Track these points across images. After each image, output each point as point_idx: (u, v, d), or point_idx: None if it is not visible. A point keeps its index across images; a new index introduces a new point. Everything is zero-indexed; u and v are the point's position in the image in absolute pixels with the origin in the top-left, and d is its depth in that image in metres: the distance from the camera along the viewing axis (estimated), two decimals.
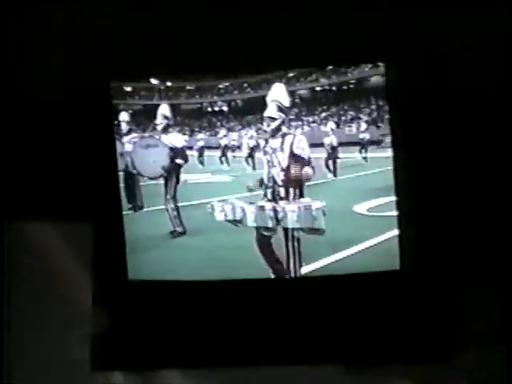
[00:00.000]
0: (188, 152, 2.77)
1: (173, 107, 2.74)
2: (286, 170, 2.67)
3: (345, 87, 2.68)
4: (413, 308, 2.39)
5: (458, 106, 2.37)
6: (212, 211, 2.66)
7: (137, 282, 2.45)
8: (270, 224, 2.62)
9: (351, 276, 2.41)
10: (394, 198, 2.50)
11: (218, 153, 3.05)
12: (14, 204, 2.46)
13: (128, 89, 2.58)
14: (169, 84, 2.63)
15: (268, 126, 2.70)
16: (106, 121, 2.46)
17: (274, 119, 2.69)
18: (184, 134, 2.75)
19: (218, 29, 2.38)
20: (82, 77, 2.36)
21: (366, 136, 2.85)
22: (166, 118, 2.74)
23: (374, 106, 2.69)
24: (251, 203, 2.67)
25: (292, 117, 2.73)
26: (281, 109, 2.68)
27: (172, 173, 2.78)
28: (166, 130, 2.75)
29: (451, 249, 2.38)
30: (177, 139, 2.78)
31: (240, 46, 2.40)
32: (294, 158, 2.69)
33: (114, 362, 2.45)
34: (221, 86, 2.72)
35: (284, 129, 2.70)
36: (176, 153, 2.78)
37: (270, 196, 2.67)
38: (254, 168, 2.91)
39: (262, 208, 2.66)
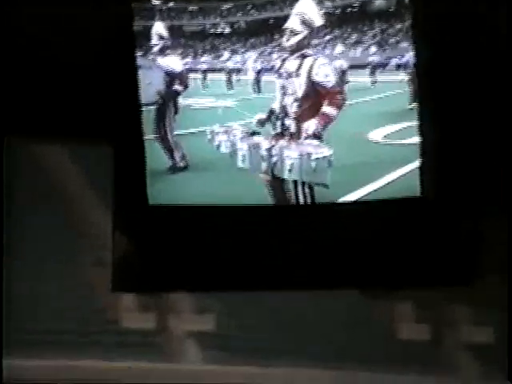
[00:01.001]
0: (191, 75, 2.66)
1: (171, 28, 2.59)
2: (301, 101, 2.47)
3: (348, 10, 2.64)
4: (433, 234, 2.40)
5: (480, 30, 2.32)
6: (211, 140, 2.58)
7: (157, 207, 2.46)
8: (263, 168, 2.48)
9: (371, 202, 2.39)
10: (411, 124, 2.40)
11: (222, 76, 2.91)
12: (34, 125, 2.48)
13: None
14: (171, 4, 2.55)
15: (287, 40, 2.47)
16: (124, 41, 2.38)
17: (295, 33, 2.45)
18: (186, 56, 2.65)
19: None
20: None
21: (375, 59, 2.74)
22: (161, 38, 2.56)
23: (378, 29, 2.66)
24: (245, 137, 2.51)
25: (317, 35, 2.46)
26: (305, 23, 2.47)
27: (169, 100, 2.63)
28: (162, 51, 2.57)
29: (470, 175, 2.37)
30: (175, 62, 2.60)
31: None
32: (313, 86, 2.46)
33: (134, 284, 2.51)
34: (224, 7, 2.66)
35: (305, 49, 2.46)
36: (173, 78, 2.62)
37: (278, 129, 2.51)
38: (259, 91, 2.82)
39: (255, 147, 2.50)
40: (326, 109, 2.42)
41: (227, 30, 2.71)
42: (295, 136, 2.49)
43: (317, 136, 2.44)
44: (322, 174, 2.38)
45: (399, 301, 2.43)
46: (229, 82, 2.96)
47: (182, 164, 2.64)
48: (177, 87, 2.63)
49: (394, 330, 2.42)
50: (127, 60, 2.39)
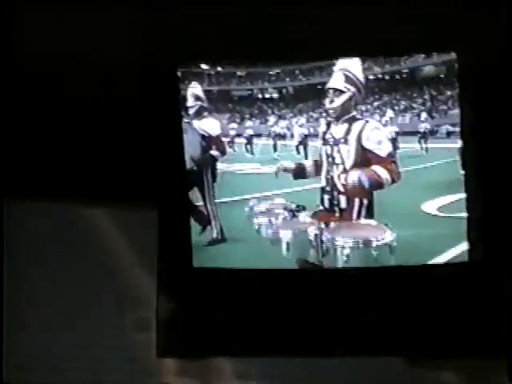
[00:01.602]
0: (237, 140, 2.62)
1: (220, 92, 2.55)
2: (350, 172, 2.26)
3: (397, 76, 2.60)
4: (479, 301, 2.29)
5: None
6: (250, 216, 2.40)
7: (201, 269, 2.40)
8: (312, 257, 2.29)
9: (416, 267, 2.29)
10: (463, 195, 2.24)
11: (267, 141, 2.81)
12: (81, 190, 2.44)
13: (178, 74, 2.42)
14: (219, 69, 2.54)
15: (331, 102, 2.28)
16: (171, 104, 2.33)
17: (339, 92, 2.27)
18: (234, 121, 2.64)
19: (271, 18, 2.33)
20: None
21: (427, 126, 2.63)
22: (198, 98, 2.42)
23: (427, 96, 2.61)
24: (288, 218, 2.32)
25: (364, 97, 2.30)
26: (351, 80, 2.28)
27: (206, 166, 2.48)
28: (199, 114, 2.44)
29: None
30: (212, 126, 2.47)
31: (294, 33, 2.34)
32: (364, 153, 2.25)
33: (178, 348, 2.42)
34: (272, 72, 2.64)
35: (353, 111, 2.27)
36: (210, 142, 2.47)
37: (327, 204, 2.31)
38: (306, 157, 2.61)
39: (301, 232, 2.27)
40: (377, 169, 2.23)
41: (275, 95, 2.68)
42: (346, 213, 2.28)
43: (367, 211, 2.23)
44: (383, 261, 2.20)
45: (437, 369, 2.31)
46: (274, 147, 2.83)
47: (219, 237, 2.50)
48: (214, 152, 2.49)
49: None
50: (173, 122, 2.35)
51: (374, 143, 2.23)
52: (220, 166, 2.52)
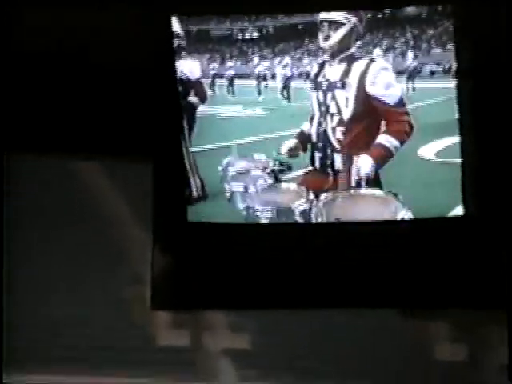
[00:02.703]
0: (217, 81, 2.50)
1: (199, 32, 2.39)
2: (349, 124, 1.92)
3: (379, 15, 2.56)
4: (473, 254, 2.30)
5: None
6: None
7: (196, 224, 2.41)
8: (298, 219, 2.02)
9: (412, 221, 2.21)
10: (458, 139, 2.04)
11: (250, 82, 2.66)
12: (78, 145, 2.44)
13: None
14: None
15: (326, 38, 1.92)
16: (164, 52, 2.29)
17: (337, 25, 1.90)
18: (214, 61, 2.56)
19: None
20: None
21: (413, 64, 2.40)
22: (176, 36, 2.21)
23: (409, 35, 2.58)
24: (269, 187, 2.04)
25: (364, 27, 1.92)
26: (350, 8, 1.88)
27: (183, 114, 2.29)
28: (177, 53, 2.24)
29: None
30: (191, 68, 2.27)
31: None
32: (368, 101, 1.88)
33: (172, 302, 2.47)
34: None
35: (352, 47, 1.92)
36: (189, 87, 2.27)
37: (317, 163, 2.00)
38: (288, 99, 2.43)
39: (286, 211, 2.01)
40: (383, 138, 1.89)
41: (255, 35, 2.62)
42: (342, 177, 1.95)
43: (375, 181, 1.90)
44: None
45: (435, 320, 2.37)
46: (258, 89, 2.69)
47: (200, 194, 2.34)
48: (192, 99, 2.33)
49: (430, 350, 2.37)
50: (167, 70, 2.31)
51: (382, 87, 1.89)
52: (199, 109, 2.41)
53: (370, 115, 1.91)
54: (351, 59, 1.95)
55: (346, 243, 2.34)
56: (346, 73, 1.94)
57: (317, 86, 1.99)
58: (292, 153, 2.05)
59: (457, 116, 2.15)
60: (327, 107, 1.95)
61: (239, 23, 2.59)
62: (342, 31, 1.92)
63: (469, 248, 2.29)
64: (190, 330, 2.48)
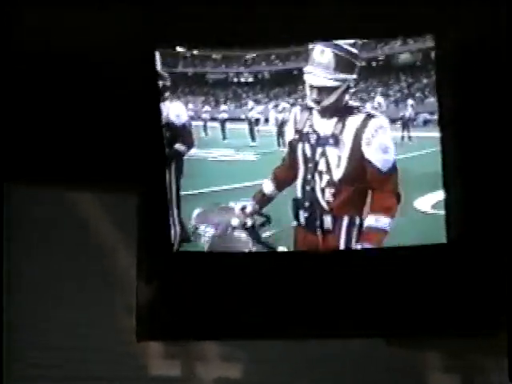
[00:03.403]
0: (209, 124, 2.47)
1: (195, 75, 2.37)
2: (340, 186, 1.76)
3: (374, 63, 2.57)
4: (457, 281, 2.27)
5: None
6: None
7: (181, 253, 2.38)
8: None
9: (397, 249, 2.13)
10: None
11: (243, 125, 2.63)
12: (69, 177, 2.43)
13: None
14: (195, 52, 2.48)
15: (318, 102, 1.69)
16: (150, 87, 2.27)
17: (327, 91, 1.69)
18: (208, 104, 2.55)
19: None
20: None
21: (411, 113, 2.34)
22: (160, 77, 2.09)
23: (403, 83, 2.59)
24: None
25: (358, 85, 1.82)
26: (345, 63, 1.74)
27: (169, 163, 2.19)
28: (161, 94, 2.13)
29: (496, 222, 2.26)
30: (177, 111, 2.18)
31: (268, 18, 2.28)
32: (361, 164, 1.71)
33: (160, 332, 2.43)
34: (248, 56, 2.58)
35: (350, 102, 1.74)
36: (176, 133, 2.18)
37: (302, 220, 1.86)
38: (282, 145, 2.32)
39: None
40: (372, 220, 1.71)
41: (250, 80, 2.62)
42: (332, 235, 1.81)
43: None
44: None
45: (424, 349, 2.37)
46: (251, 133, 2.64)
47: (177, 247, 2.27)
48: (179, 147, 2.24)
49: (420, 379, 2.36)
50: (152, 104, 2.30)
51: (378, 151, 1.70)
52: (191, 151, 2.38)
53: (361, 180, 1.76)
54: (345, 112, 1.77)
55: (333, 272, 2.31)
56: (340, 128, 1.76)
57: (303, 138, 1.82)
58: (246, 214, 1.98)
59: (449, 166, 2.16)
60: (315, 164, 1.79)
61: (235, 67, 2.60)
62: (334, 95, 1.76)
63: (453, 275, 2.28)
64: (182, 360, 2.47)
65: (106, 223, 2.50)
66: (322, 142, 1.79)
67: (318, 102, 1.75)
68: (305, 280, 2.34)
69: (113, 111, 2.34)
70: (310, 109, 1.86)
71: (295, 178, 1.92)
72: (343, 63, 1.80)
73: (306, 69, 1.89)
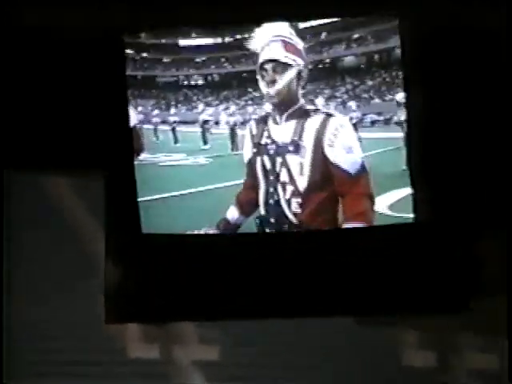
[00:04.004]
0: (160, 127, 2.48)
1: (144, 78, 2.38)
2: (308, 195, 1.63)
3: (320, 65, 2.61)
4: (427, 260, 2.29)
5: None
6: None
7: (150, 235, 2.32)
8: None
9: (366, 229, 2.04)
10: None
11: (195, 129, 2.63)
12: (24, 155, 2.39)
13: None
14: (144, 55, 2.47)
15: (271, 83, 1.59)
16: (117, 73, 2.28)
17: (283, 66, 1.60)
18: (158, 108, 2.53)
19: None
20: None
21: (358, 114, 2.34)
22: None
23: (349, 85, 2.64)
24: None
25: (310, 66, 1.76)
26: (293, 49, 1.65)
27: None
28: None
29: (465, 198, 2.29)
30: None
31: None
32: (326, 167, 1.58)
33: (128, 314, 2.40)
34: (197, 59, 2.59)
35: (300, 99, 1.64)
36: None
37: (273, 221, 1.72)
38: (235, 149, 2.34)
39: None
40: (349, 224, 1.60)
41: (200, 82, 2.61)
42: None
43: None
44: None
45: (398, 327, 2.39)
46: (203, 137, 2.62)
47: None
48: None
49: (393, 356, 2.37)
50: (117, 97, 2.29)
51: (342, 151, 1.55)
52: (141, 156, 2.35)
53: (329, 186, 1.63)
54: (303, 114, 1.66)
55: (308, 252, 2.29)
56: (299, 132, 1.63)
57: (261, 151, 1.69)
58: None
59: (403, 167, 2.17)
60: (277, 175, 1.66)
61: (185, 70, 2.58)
62: (288, 75, 1.64)
63: (421, 254, 2.30)
64: (159, 342, 2.45)
65: (73, 204, 2.46)
66: (281, 150, 1.67)
67: (272, 82, 1.61)
68: (277, 261, 2.32)
69: (78, 104, 2.35)
70: (265, 118, 1.75)
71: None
72: (292, 48, 1.71)
73: (259, 46, 1.77)
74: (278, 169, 1.68)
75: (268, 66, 1.65)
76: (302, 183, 1.63)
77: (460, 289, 2.30)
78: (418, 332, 2.39)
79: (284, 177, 1.67)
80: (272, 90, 1.64)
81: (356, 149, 1.61)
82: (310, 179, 1.63)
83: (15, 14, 2.31)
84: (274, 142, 1.68)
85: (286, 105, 1.69)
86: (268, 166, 1.71)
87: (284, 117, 1.67)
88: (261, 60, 1.69)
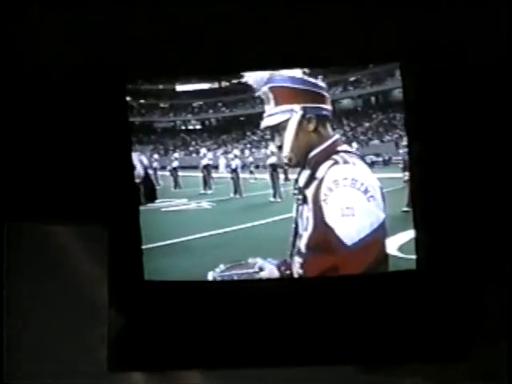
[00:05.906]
0: (159, 172, 2.48)
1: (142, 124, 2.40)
2: (306, 258, 1.52)
3: None
4: (428, 307, 2.24)
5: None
6: None
7: (153, 283, 2.29)
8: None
9: (368, 277, 2.04)
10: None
11: (195, 173, 2.61)
12: (29, 205, 2.36)
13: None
14: (142, 101, 2.48)
15: (279, 149, 1.42)
16: (120, 122, 2.24)
17: (280, 125, 1.42)
18: (157, 153, 2.54)
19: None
20: None
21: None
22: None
23: (346, 128, 2.66)
24: None
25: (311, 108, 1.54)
26: (287, 95, 1.48)
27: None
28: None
29: (466, 248, 2.23)
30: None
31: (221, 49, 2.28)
32: (325, 230, 1.39)
33: (131, 362, 2.34)
34: (195, 104, 2.61)
35: (327, 141, 1.43)
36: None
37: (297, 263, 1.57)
38: (239, 193, 2.38)
39: None
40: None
41: (198, 127, 2.62)
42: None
43: None
44: None
45: (398, 376, 2.28)
46: (204, 181, 2.59)
47: None
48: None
49: None
50: (121, 147, 2.27)
51: (338, 213, 1.32)
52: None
53: (326, 252, 1.44)
54: (321, 158, 1.45)
55: (310, 299, 2.25)
56: (306, 179, 1.46)
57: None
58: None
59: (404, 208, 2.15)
60: (296, 225, 1.50)
61: (183, 115, 2.59)
62: (289, 132, 1.47)
63: (422, 302, 2.25)
64: None
65: (76, 254, 2.43)
66: (301, 199, 1.48)
67: (280, 148, 1.47)
68: (281, 308, 2.28)
69: (82, 156, 2.31)
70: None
71: None
72: (285, 95, 1.55)
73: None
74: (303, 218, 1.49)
75: (268, 132, 1.55)
76: (304, 240, 1.46)
77: (461, 337, 2.25)
78: (418, 380, 2.34)
79: (299, 228, 1.50)
80: (283, 155, 1.48)
81: (360, 213, 1.31)
82: (309, 238, 1.45)
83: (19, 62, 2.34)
84: (301, 191, 1.49)
85: (303, 155, 1.49)
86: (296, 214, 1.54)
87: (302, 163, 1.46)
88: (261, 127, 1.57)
